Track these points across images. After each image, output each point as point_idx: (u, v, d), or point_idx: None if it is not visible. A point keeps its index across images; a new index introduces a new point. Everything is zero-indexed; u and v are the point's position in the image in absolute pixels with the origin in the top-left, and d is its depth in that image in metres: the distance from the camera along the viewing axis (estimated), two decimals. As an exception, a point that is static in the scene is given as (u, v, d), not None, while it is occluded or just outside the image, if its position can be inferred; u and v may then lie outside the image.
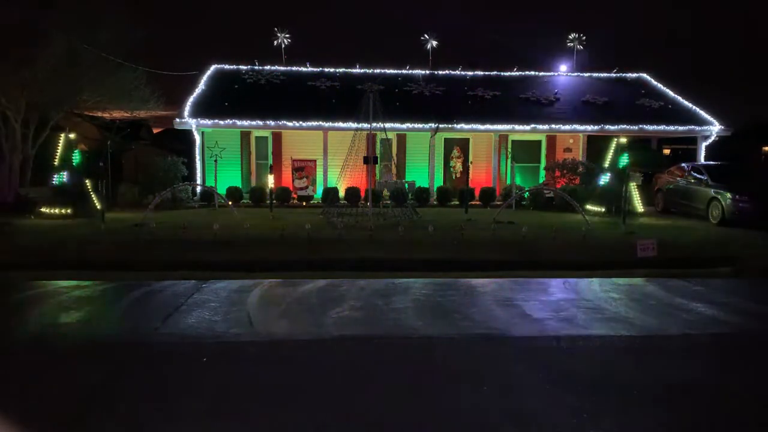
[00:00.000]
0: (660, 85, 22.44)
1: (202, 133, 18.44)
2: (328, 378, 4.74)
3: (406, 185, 18.38)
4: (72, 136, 15.23)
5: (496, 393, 4.45)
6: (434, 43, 23.05)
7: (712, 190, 13.98)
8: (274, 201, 16.48)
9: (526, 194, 17.39)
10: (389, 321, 6.33)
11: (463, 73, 22.69)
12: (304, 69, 22.10)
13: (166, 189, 14.67)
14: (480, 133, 19.54)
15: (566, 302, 7.16)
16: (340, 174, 15.28)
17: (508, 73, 22.82)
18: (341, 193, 17.14)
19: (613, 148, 15.95)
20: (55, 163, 14.80)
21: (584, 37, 23.30)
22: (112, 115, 20.16)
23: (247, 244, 10.47)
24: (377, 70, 22.30)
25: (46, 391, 4.45)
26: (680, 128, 19.38)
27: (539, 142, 21.06)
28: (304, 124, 18.14)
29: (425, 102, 20.05)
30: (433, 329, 6.05)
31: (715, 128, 19.28)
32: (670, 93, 21.73)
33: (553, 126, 19.07)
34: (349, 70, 22.20)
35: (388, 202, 17.08)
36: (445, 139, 20.60)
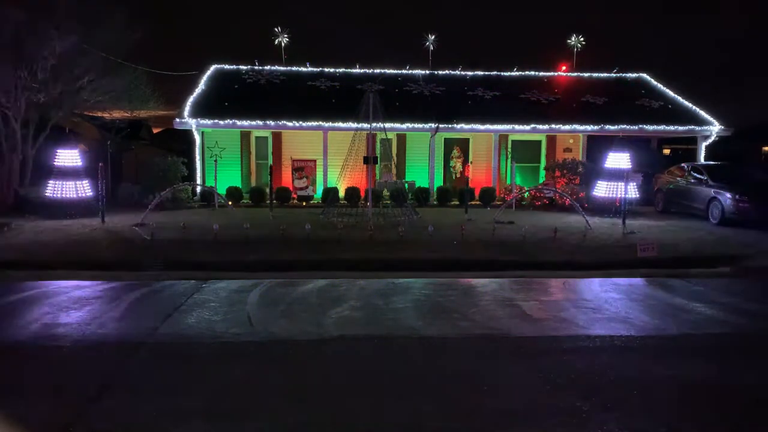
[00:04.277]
0: (660, 85, 22.43)
1: (202, 133, 18.44)
2: (328, 378, 4.74)
3: (406, 185, 18.37)
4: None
5: (496, 393, 4.45)
6: (434, 42, 23.04)
7: (712, 190, 13.97)
8: (274, 201, 16.47)
9: (526, 194, 17.38)
10: (389, 321, 6.33)
11: (463, 73, 22.69)
12: (304, 69, 22.10)
13: (166, 189, 14.66)
14: (480, 133, 19.53)
15: (566, 302, 7.16)
16: (340, 174, 15.28)
17: (508, 73, 22.81)
18: (341, 193, 17.12)
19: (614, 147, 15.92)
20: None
21: (584, 37, 23.29)
22: (112, 115, 20.15)
23: (247, 244, 10.47)
24: (377, 70, 22.29)
25: (46, 391, 4.45)
26: (680, 128, 19.37)
27: (539, 142, 21.06)
28: (304, 124, 18.14)
29: (425, 102, 20.05)
30: (433, 329, 6.05)
31: (715, 128, 19.28)
32: (670, 93, 21.73)
33: (553, 126, 19.06)
34: (349, 70, 22.19)
35: (388, 202, 17.08)
36: (445, 139, 20.59)
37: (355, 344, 5.58)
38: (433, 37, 23.00)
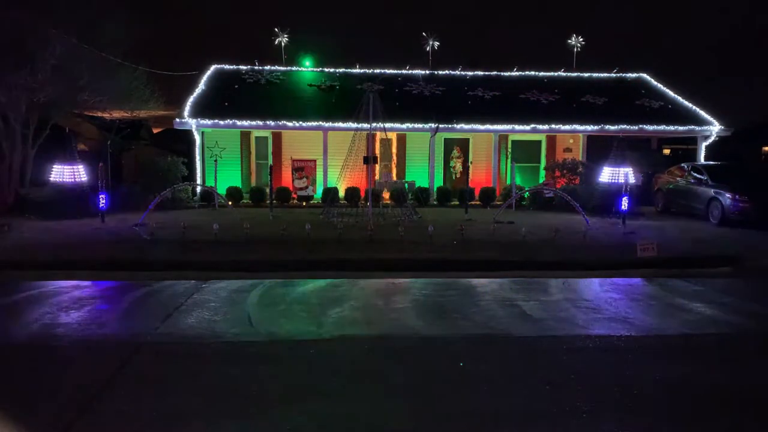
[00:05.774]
0: (660, 85, 22.44)
1: (202, 133, 18.44)
2: (328, 378, 4.74)
3: (406, 185, 18.37)
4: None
5: (496, 393, 4.45)
6: (434, 43, 23.04)
7: (712, 190, 13.98)
8: (274, 201, 16.48)
9: (526, 194, 17.38)
10: (389, 321, 6.33)
11: (463, 73, 22.69)
12: (304, 69, 22.11)
13: (166, 189, 14.66)
14: (480, 133, 19.54)
15: (566, 302, 7.16)
16: (340, 174, 15.29)
17: (508, 73, 22.81)
18: (341, 193, 17.13)
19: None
20: None
21: (584, 37, 23.29)
22: (112, 115, 20.15)
23: (247, 244, 10.47)
24: (377, 70, 22.30)
25: (45, 391, 4.45)
26: (680, 128, 19.38)
27: (539, 142, 21.06)
28: (304, 124, 18.15)
29: (425, 102, 20.06)
30: (433, 329, 6.05)
31: (715, 128, 19.28)
32: (670, 93, 21.73)
33: (553, 126, 19.07)
34: (349, 70, 22.20)
35: (388, 202, 17.08)
36: (445, 139, 20.60)
37: (355, 344, 5.57)
38: (433, 37, 23.02)
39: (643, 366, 5.06)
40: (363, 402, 4.30)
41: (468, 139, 20.70)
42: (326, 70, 22.09)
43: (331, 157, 18.26)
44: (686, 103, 20.86)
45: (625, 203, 13.05)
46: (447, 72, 22.65)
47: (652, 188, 17.05)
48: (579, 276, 8.76)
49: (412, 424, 3.97)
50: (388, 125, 15.20)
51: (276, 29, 22.54)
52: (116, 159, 19.35)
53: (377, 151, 17.52)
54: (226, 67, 21.93)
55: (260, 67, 21.90)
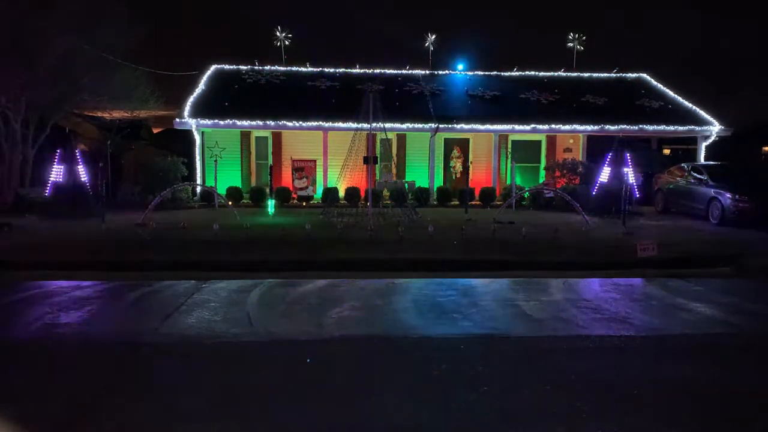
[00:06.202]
0: (660, 85, 22.44)
1: (202, 133, 18.45)
2: (327, 378, 4.74)
3: (406, 185, 18.37)
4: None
5: (496, 393, 4.45)
6: (434, 43, 23.05)
7: (712, 190, 13.98)
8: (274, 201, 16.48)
9: (526, 194, 17.38)
10: (389, 321, 6.33)
11: (463, 73, 22.70)
12: (304, 69, 22.11)
13: (166, 189, 14.67)
14: (480, 133, 19.55)
15: (566, 302, 7.16)
16: (340, 174, 15.29)
17: (508, 73, 22.82)
18: (341, 193, 17.14)
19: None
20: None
21: (584, 37, 23.31)
22: (112, 115, 20.17)
23: (247, 244, 10.47)
24: (377, 70, 22.30)
25: (45, 392, 4.45)
26: (680, 128, 19.38)
27: (539, 142, 21.06)
28: (304, 124, 18.15)
29: (425, 102, 20.06)
30: (432, 329, 6.05)
31: (715, 128, 19.28)
32: (670, 93, 21.74)
33: (553, 126, 19.07)
34: (349, 70, 22.21)
35: (388, 202, 17.08)
36: (445, 139, 20.60)
37: (355, 344, 5.57)
38: (433, 37, 23.02)
39: (643, 366, 5.06)
40: (363, 402, 4.30)
41: (468, 139, 20.71)
42: (326, 70, 22.09)
43: (331, 157, 18.26)
44: (686, 103, 20.87)
45: (625, 203, 13.06)
46: (447, 72, 22.65)
47: (652, 188, 17.05)
48: (579, 276, 8.76)
49: (412, 424, 3.96)
50: (388, 125, 15.21)
51: (276, 29, 22.57)
52: (116, 159, 19.36)
53: (377, 151, 17.51)
54: (226, 67, 21.94)
55: (260, 67, 21.91)
